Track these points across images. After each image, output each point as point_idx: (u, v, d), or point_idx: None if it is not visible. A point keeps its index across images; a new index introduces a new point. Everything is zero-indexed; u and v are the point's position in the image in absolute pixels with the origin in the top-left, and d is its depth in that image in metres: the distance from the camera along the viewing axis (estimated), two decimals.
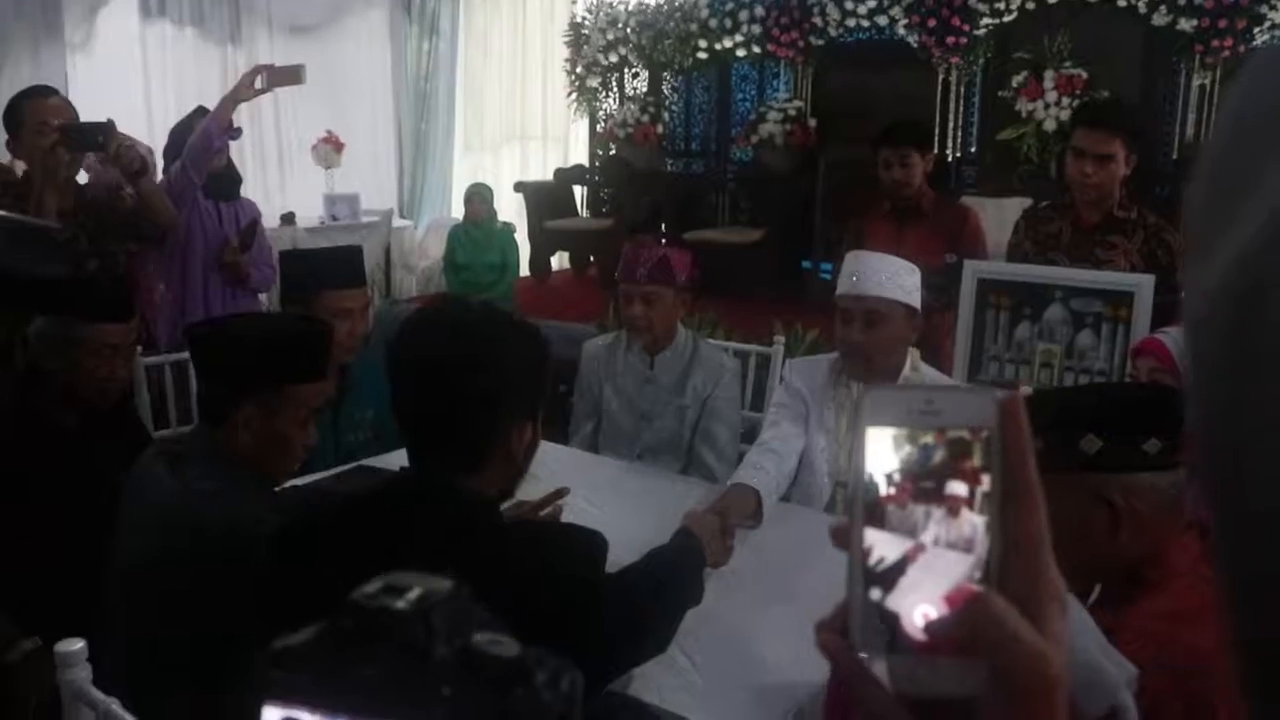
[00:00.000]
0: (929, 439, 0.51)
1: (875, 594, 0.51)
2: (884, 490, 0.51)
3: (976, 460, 0.51)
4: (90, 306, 2.39)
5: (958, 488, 0.51)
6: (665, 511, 2.26)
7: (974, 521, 0.51)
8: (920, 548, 0.51)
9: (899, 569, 0.51)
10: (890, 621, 0.51)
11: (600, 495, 2.44)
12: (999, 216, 5.93)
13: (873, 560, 0.51)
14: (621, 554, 1.94)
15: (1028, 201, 5.69)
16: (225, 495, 1.69)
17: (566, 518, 2.09)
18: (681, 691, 1.71)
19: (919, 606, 0.50)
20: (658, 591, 1.66)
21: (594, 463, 2.81)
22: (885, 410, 0.52)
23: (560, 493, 2.05)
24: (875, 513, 0.51)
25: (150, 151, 3.16)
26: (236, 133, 3.47)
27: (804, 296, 5.86)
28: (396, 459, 1.57)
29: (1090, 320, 3.03)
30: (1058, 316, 3.11)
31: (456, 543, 1.37)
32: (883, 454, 0.52)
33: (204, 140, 3.33)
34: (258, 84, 3.34)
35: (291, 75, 3.39)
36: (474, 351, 1.37)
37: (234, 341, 1.81)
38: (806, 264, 6.34)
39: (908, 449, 0.51)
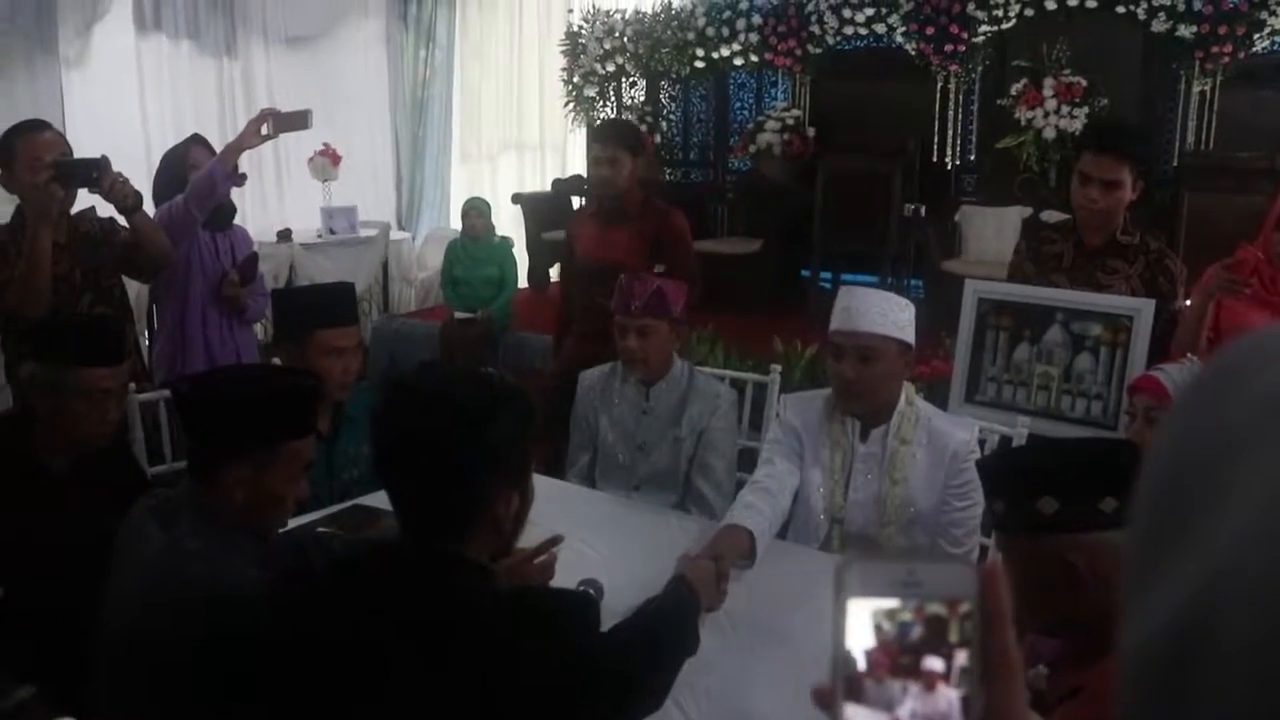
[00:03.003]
0: (907, 616, 0.53)
1: None
2: (861, 665, 0.53)
3: (953, 636, 0.53)
4: (79, 350, 2.37)
5: (934, 664, 0.52)
6: (661, 550, 2.25)
7: (949, 696, 0.52)
8: None
9: None
10: None
11: (596, 535, 2.42)
12: (998, 225, 5.92)
13: None
14: (618, 596, 1.94)
15: (1027, 210, 5.68)
16: (212, 556, 1.67)
17: (562, 560, 2.08)
18: None
19: None
20: (653, 649, 1.65)
21: (589, 499, 2.79)
22: (867, 582, 0.53)
23: (554, 540, 2.03)
24: (853, 687, 0.53)
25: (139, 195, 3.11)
26: (241, 179, 3.40)
27: (803, 307, 5.85)
28: None
29: (1089, 343, 3.01)
30: (1057, 339, 3.09)
31: (444, 615, 1.35)
32: (862, 629, 0.53)
33: (208, 185, 3.29)
34: (264, 130, 3.31)
35: (298, 120, 3.35)
36: (455, 427, 1.36)
37: (220, 402, 1.77)
38: (805, 273, 6.33)
39: (886, 626, 0.53)
